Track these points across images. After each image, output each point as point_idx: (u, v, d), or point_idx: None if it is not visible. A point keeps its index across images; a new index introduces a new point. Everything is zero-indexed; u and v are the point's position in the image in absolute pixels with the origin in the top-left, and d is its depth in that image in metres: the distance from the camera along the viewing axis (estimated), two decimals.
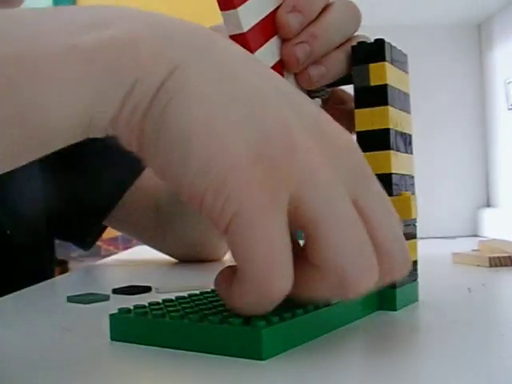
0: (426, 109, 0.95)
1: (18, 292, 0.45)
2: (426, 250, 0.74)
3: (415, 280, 0.34)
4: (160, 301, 0.29)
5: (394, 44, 0.34)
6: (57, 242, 0.74)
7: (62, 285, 0.54)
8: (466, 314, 0.32)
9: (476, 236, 0.92)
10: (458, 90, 0.96)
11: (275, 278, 0.21)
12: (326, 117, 0.25)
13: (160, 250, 0.69)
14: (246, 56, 0.25)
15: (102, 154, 0.66)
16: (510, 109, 0.88)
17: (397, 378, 0.21)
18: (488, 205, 0.95)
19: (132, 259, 0.74)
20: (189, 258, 0.66)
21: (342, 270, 0.22)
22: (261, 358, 0.22)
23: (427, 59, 0.96)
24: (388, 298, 0.31)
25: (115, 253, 0.84)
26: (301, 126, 0.23)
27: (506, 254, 0.51)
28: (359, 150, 0.25)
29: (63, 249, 0.81)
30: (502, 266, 0.50)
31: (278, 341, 0.23)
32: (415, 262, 0.34)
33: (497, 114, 0.92)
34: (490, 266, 0.50)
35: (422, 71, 0.96)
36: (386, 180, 0.31)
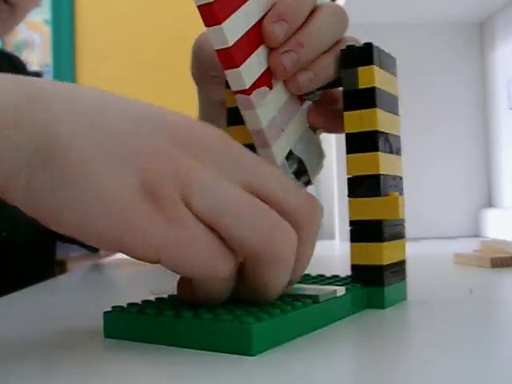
0: (427, 108, 0.95)
1: (17, 292, 0.45)
2: (427, 250, 0.74)
3: (403, 279, 0.35)
4: (153, 299, 0.29)
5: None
6: (58, 242, 0.74)
7: (61, 285, 0.53)
8: (466, 314, 0.32)
9: (478, 236, 0.92)
10: (459, 89, 0.96)
11: (219, 271, 0.25)
12: (198, 127, 0.27)
13: None
14: (115, 98, 0.28)
15: None
16: (511, 108, 0.87)
17: (397, 376, 0.21)
18: (490, 205, 0.95)
19: (131, 259, 0.74)
20: None
21: (258, 245, 0.24)
22: (251, 354, 0.23)
23: (428, 58, 0.96)
24: (376, 296, 0.32)
25: (115, 253, 0.84)
26: (174, 147, 0.25)
27: (507, 255, 0.50)
28: (233, 142, 0.27)
29: (63, 249, 0.81)
30: (503, 266, 0.50)
31: (268, 337, 0.24)
32: (403, 262, 0.35)
33: (499, 114, 0.92)
34: (492, 266, 0.50)
35: (424, 70, 0.96)
36: (374, 181, 0.32)
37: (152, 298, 0.30)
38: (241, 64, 0.31)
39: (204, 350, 0.24)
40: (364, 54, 0.33)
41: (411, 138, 0.93)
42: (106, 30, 2.16)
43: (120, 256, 0.85)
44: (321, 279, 0.35)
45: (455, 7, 0.90)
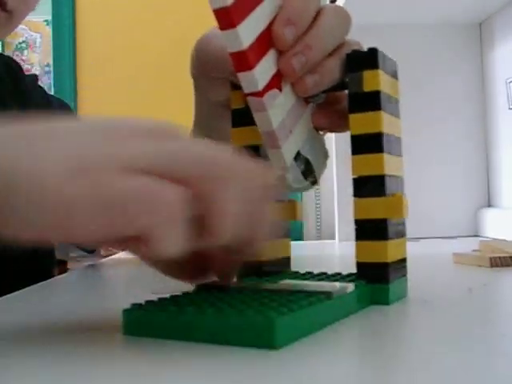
0: (426, 108, 0.95)
1: (17, 292, 0.45)
2: (426, 250, 0.74)
3: (405, 275, 0.36)
4: (168, 296, 0.30)
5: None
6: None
7: (61, 285, 0.53)
8: (466, 314, 0.32)
9: (477, 236, 0.92)
10: (458, 90, 0.96)
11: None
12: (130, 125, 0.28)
13: None
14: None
15: None
16: (511, 108, 0.87)
17: (401, 370, 0.21)
18: (489, 205, 0.95)
19: (131, 259, 0.74)
20: None
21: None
22: (274, 347, 0.24)
23: (428, 58, 0.96)
24: (381, 292, 0.33)
25: (115, 253, 0.84)
26: (110, 139, 0.27)
27: (506, 255, 0.51)
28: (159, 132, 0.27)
29: (63, 249, 0.81)
30: (502, 266, 0.50)
31: (289, 330, 0.25)
32: (404, 260, 0.36)
33: (498, 114, 0.92)
34: (491, 266, 0.50)
35: (423, 70, 0.96)
36: (379, 181, 0.33)
37: (154, 298, 0.30)
38: (254, 66, 0.31)
39: (227, 344, 0.25)
40: (369, 59, 0.34)
41: (411, 137, 0.93)
42: (107, 31, 2.16)
43: (119, 256, 0.85)
44: (326, 276, 0.36)
45: (454, 8, 0.90)
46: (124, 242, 0.26)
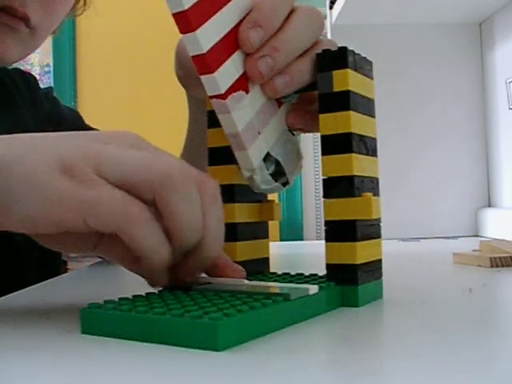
0: (426, 108, 0.95)
1: (17, 292, 0.45)
2: (426, 250, 0.74)
3: (379, 278, 0.36)
4: (130, 296, 0.31)
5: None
6: None
7: (61, 285, 0.53)
8: (466, 314, 0.32)
9: (477, 236, 0.92)
10: (458, 90, 0.96)
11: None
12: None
13: None
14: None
15: None
16: (511, 108, 0.87)
17: (398, 376, 0.21)
18: (489, 205, 0.95)
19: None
20: None
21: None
22: (216, 349, 0.24)
23: (428, 58, 0.96)
24: (350, 294, 0.33)
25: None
26: (90, 142, 0.31)
27: (506, 254, 0.51)
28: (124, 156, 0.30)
29: None
30: (502, 266, 0.50)
31: (234, 333, 0.25)
32: (379, 261, 0.36)
33: (498, 114, 0.92)
34: (491, 266, 0.50)
35: (423, 70, 0.96)
36: (348, 182, 0.33)
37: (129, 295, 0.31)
38: (215, 70, 0.31)
39: (176, 345, 0.25)
40: (339, 58, 0.33)
41: (411, 139, 0.93)
42: (106, 31, 2.16)
43: None
44: (298, 278, 0.36)
45: (455, 8, 0.90)
46: (99, 245, 0.31)
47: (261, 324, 0.27)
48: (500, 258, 0.50)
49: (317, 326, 0.29)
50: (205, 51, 0.31)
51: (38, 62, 2.17)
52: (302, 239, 1.96)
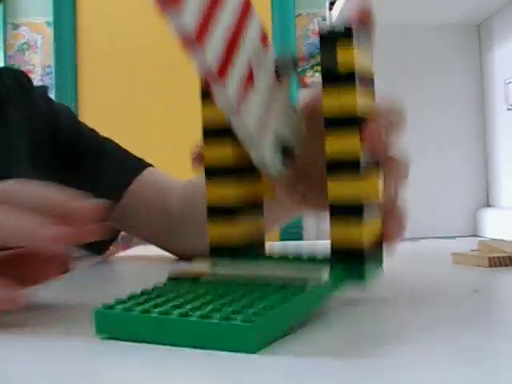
0: (425, 108, 0.96)
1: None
2: (425, 250, 0.74)
3: (381, 249, 0.35)
4: (139, 293, 0.29)
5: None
6: None
7: (62, 284, 0.54)
8: (465, 314, 0.32)
9: (476, 236, 0.92)
10: (457, 90, 0.96)
11: None
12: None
13: (169, 250, 0.68)
14: None
15: (97, 155, 0.66)
16: (509, 109, 0.88)
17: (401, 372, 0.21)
18: (488, 205, 0.95)
19: (132, 258, 0.74)
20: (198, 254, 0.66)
21: None
22: (250, 351, 0.23)
23: (427, 58, 0.96)
24: (357, 272, 0.32)
25: (115, 253, 0.84)
26: None
27: (505, 254, 0.51)
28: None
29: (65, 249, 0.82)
30: (501, 266, 0.50)
31: (265, 332, 0.24)
32: (379, 236, 0.35)
33: (496, 114, 0.92)
34: (490, 266, 0.50)
35: (422, 70, 0.96)
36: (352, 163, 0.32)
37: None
38: (225, 79, 0.30)
39: (201, 348, 0.24)
40: (344, 35, 0.34)
41: (410, 138, 0.93)
42: (108, 32, 2.17)
43: (120, 256, 0.85)
44: (299, 260, 0.35)
45: (453, 9, 0.91)
46: None
47: (288, 319, 0.26)
48: (499, 257, 0.50)
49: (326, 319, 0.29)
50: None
51: (39, 63, 2.18)
52: (301, 239, 1.95)
